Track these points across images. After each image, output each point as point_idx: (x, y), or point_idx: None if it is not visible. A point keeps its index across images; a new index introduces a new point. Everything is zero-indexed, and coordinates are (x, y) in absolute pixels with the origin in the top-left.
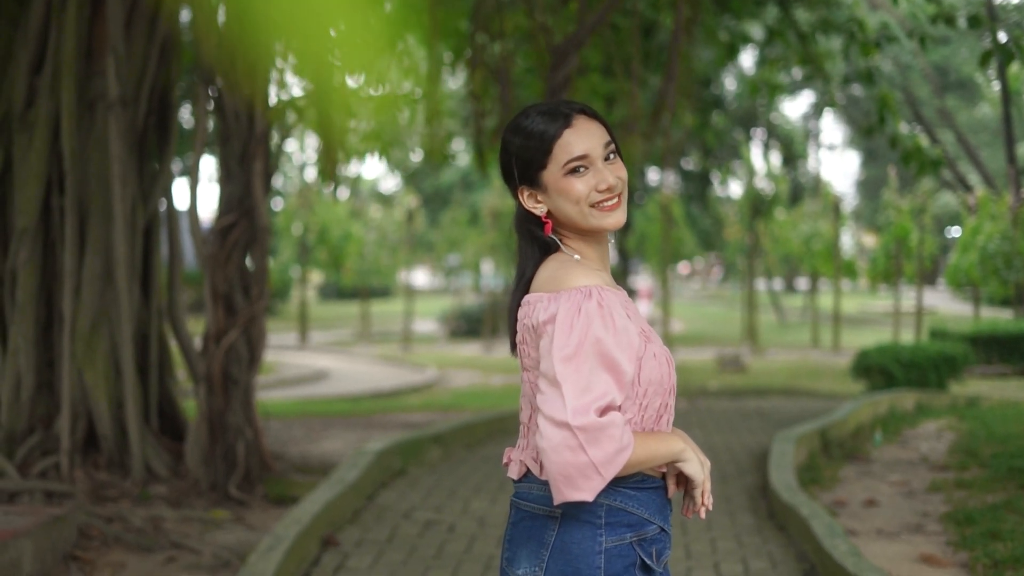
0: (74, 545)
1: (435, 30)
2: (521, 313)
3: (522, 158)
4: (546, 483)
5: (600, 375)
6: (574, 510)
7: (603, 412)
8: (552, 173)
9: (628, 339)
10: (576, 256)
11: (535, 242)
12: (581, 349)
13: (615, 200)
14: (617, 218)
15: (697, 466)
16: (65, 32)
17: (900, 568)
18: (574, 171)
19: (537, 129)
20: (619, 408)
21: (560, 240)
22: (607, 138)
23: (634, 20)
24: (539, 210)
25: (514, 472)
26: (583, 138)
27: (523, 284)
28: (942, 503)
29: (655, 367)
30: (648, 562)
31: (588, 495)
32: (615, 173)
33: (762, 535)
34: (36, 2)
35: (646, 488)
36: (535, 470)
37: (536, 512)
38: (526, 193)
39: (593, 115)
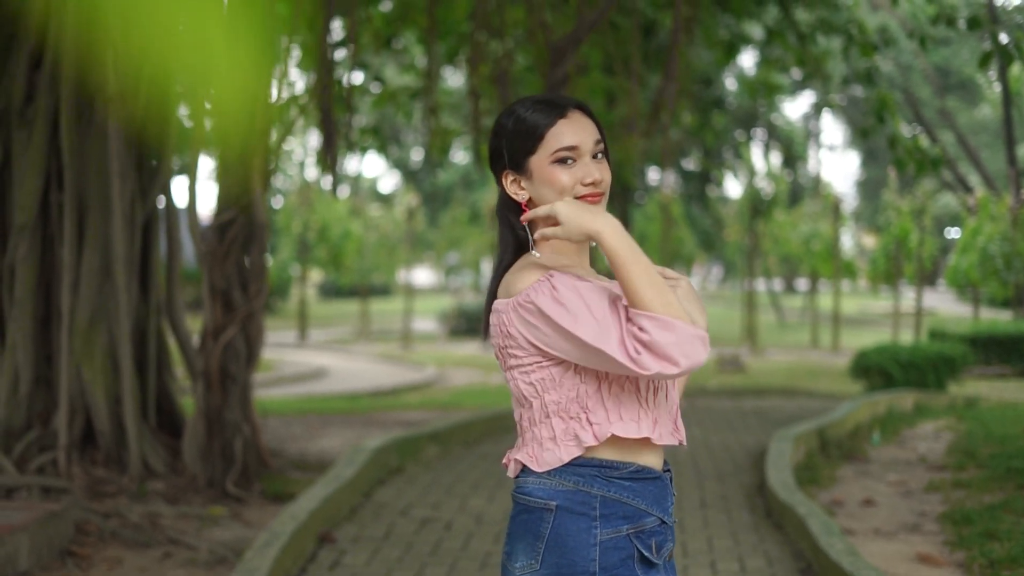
0: (71, 541)
1: (432, 27)
2: (495, 320)
3: (513, 141)
4: (541, 475)
5: (602, 308)
6: (568, 502)
7: (636, 324)
8: (540, 159)
9: (590, 286)
10: (536, 253)
11: (512, 235)
12: (578, 310)
13: (598, 197)
14: None
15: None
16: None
17: (897, 567)
18: (561, 161)
19: (532, 115)
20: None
21: (534, 235)
22: (598, 137)
23: (634, 19)
24: (520, 196)
25: (511, 471)
26: (576, 130)
27: (494, 285)
28: (939, 503)
29: None
30: (647, 555)
31: (705, 344)
32: (601, 172)
33: (759, 533)
34: None
35: (642, 479)
36: (531, 465)
37: (532, 505)
38: (510, 178)
39: (588, 113)
